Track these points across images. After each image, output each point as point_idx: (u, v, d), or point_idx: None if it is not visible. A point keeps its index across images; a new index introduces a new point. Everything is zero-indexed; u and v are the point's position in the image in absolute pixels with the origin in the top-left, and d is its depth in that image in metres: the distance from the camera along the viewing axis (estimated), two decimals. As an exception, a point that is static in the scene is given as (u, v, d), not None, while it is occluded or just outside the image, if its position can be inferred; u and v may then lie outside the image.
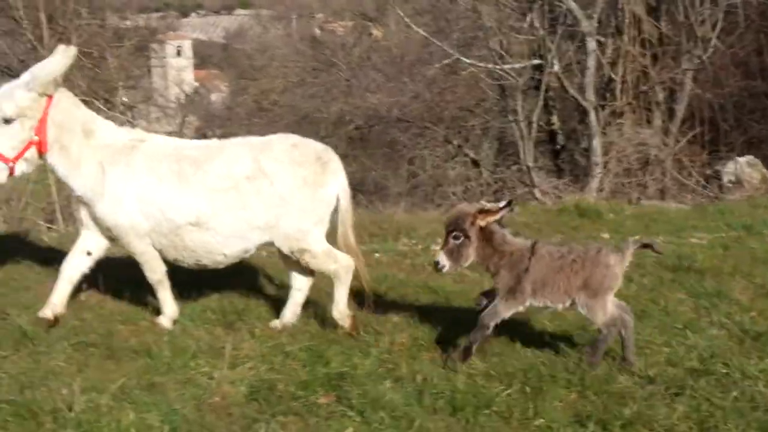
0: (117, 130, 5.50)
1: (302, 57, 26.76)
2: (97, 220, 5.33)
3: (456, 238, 4.90)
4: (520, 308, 4.95)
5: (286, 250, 5.38)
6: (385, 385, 4.37)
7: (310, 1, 46.40)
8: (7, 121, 5.13)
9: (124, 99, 15.62)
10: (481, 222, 4.88)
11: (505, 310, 4.93)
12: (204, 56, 55.74)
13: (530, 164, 13.88)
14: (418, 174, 16.29)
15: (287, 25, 45.04)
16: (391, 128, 17.24)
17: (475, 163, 16.11)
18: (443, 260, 4.91)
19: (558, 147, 15.80)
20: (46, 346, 4.93)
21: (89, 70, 13.00)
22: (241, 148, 5.42)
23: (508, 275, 4.92)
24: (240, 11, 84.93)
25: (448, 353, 4.92)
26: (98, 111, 13.71)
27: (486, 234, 4.92)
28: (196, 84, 44.98)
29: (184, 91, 35.37)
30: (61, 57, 5.24)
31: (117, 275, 5.96)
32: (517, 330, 5.16)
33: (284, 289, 5.92)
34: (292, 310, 5.63)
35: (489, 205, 4.89)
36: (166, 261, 5.41)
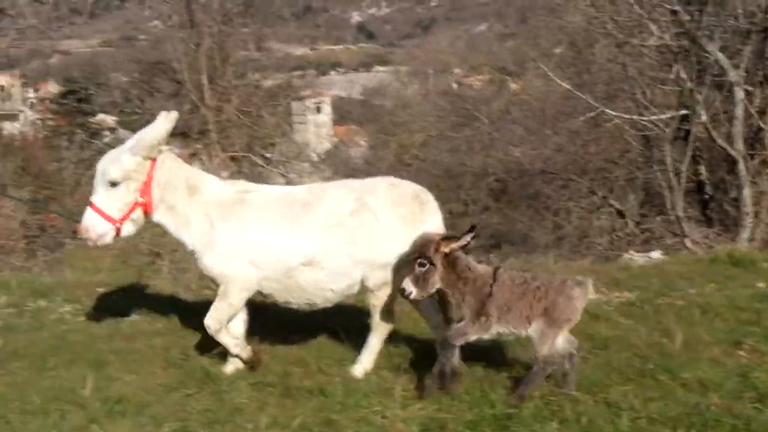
0: (222, 184, 5.66)
1: (441, 111, 27.10)
2: (204, 270, 5.53)
3: (421, 265, 4.95)
4: (486, 335, 5.00)
5: (371, 285, 5.44)
6: (552, 426, 4.47)
7: (447, 57, 47.15)
8: (114, 184, 5.35)
9: (268, 155, 16.27)
10: (445, 249, 4.94)
11: (472, 333, 4.98)
12: (343, 112, 57.24)
13: (680, 214, 13.68)
14: (563, 225, 16.27)
15: (424, 81, 45.75)
16: (534, 180, 17.33)
17: (621, 214, 15.97)
18: (409, 287, 4.96)
19: (706, 197, 15.50)
20: (228, 385, 5.20)
21: (247, 128, 13.72)
22: (344, 189, 5.56)
23: (473, 300, 4.97)
24: (378, 68, 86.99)
25: (422, 381, 5.04)
26: (254, 166, 14.51)
27: (450, 261, 4.97)
28: (336, 139, 46.15)
29: (327, 146, 36.42)
30: (164, 122, 5.41)
31: (285, 321, 6.30)
32: (677, 374, 5.14)
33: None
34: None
35: (452, 232, 5.03)
36: (275, 304, 5.63)
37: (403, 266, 5.17)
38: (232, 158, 12.44)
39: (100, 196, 5.37)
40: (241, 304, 5.55)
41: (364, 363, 5.53)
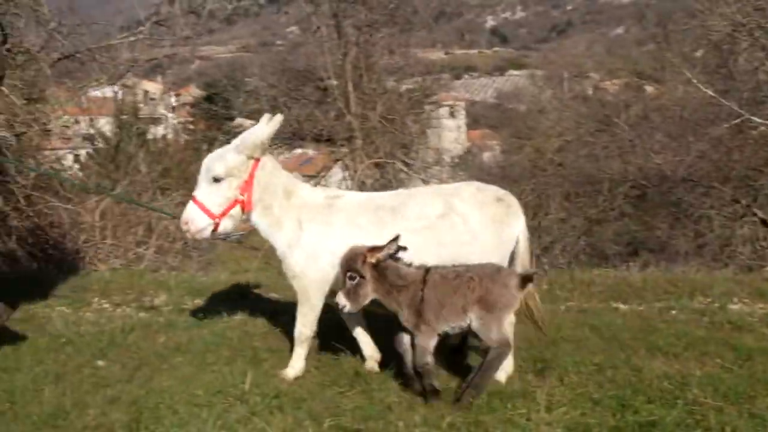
0: (314, 190, 5.92)
1: (577, 116, 26.81)
2: (287, 270, 5.76)
3: (351, 278, 5.07)
4: (437, 336, 5.08)
5: None
6: (695, 434, 4.56)
7: (584, 61, 46.52)
8: (217, 180, 5.61)
9: (409, 161, 16.58)
10: (372, 259, 5.04)
11: (425, 343, 5.05)
12: (477, 116, 57.31)
13: (831, 224, 13.29)
14: (704, 234, 15.98)
15: (559, 85, 45.24)
16: (675, 187, 17.05)
17: (765, 223, 15.58)
18: (342, 301, 5.09)
19: None
20: (378, 384, 5.43)
21: (391, 135, 14.10)
22: (431, 193, 5.76)
23: (407, 310, 5.06)
24: (512, 72, 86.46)
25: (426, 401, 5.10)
26: (398, 172, 14.87)
27: (380, 270, 5.06)
28: (469, 143, 46.18)
29: (461, 151, 36.56)
30: (267, 124, 5.71)
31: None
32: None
33: (584, 340, 6.32)
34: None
35: (378, 244, 5.06)
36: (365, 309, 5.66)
37: None
38: (376, 164, 12.85)
39: (203, 191, 5.65)
40: (321, 305, 5.78)
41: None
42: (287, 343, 6.25)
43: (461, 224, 5.50)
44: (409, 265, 5.18)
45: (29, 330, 6.44)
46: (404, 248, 5.15)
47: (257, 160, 5.68)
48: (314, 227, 5.60)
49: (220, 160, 5.63)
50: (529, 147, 28.04)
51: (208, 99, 52.70)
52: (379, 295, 5.19)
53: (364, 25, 13.59)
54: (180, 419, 4.76)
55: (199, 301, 8.22)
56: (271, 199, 5.69)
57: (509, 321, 5.30)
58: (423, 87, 19.10)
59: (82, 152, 15.34)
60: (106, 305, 7.48)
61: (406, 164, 14.53)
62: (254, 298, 8.30)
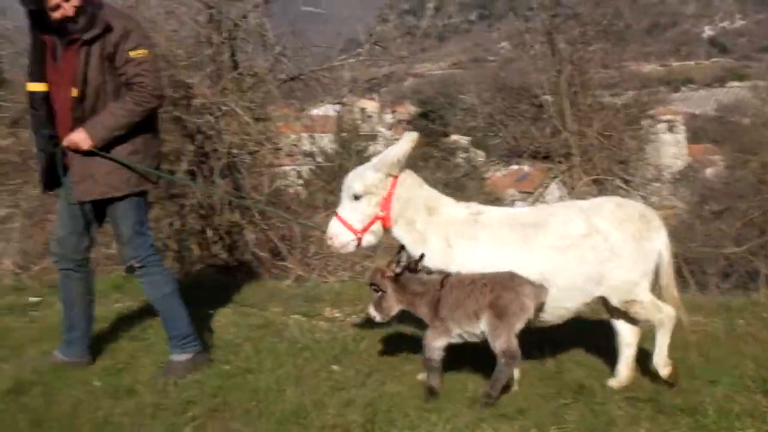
0: (457, 206, 5.86)
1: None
2: None
3: (375, 291, 5.43)
4: (449, 338, 5.29)
5: (616, 302, 5.61)
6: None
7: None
8: (357, 197, 5.74)
9: (628, 178, 16.25)
10: (390, 273, 5.37)
11: (434, 339, 5.30)
12: (697, 130, 55.06)
13: None
14: None
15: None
16: None
17: None
18: (372, 312, 5.51)
19: None
20: (602, 397, 5.41)
21: (608, 151, 13.95)
22: (572, 210, 5.72)
23: (425, 308, 5.33)
24: (733, 83, 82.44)
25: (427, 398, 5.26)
26: (617, 188, 14.64)
27: (400, 283, 5.38)
28: (690, 159, 44.45)
29: (680, 165, 35.32)
30: (405, 142, 5.79)
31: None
32: None
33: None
34: (626, 366, 5.81)
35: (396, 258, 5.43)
36: None
37: None
38: (594, 181, 12.75)
39: (345, 208, 5.83)
40: None
41: (659, 362, 5.65)
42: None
43: (602, 242, 5.51)
44: (430, 272, 5.43)
45: (268, 335, 6.90)
46: (421, 258, 5.43)
47: (396, 176, 5.79)
48: (463, 243, 5.65)
49: (359, 178, 5.80)
50: (755, 162, 26.74)
51: (424, 116, 53.80)
52: (403, 305, 5.48)
53: (577, 41, 13.53)
54: (411, 422, 4.96)
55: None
56: (412, 214, 5.76)
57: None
58: (639, 101, 18.75)
59: (304, 168, 16.13)
60: (338, 314, 7.84)
61: (625, 181, 14.29)
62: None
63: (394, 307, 5.52)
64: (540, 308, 5.36)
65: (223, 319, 7.39)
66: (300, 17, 13.70)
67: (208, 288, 8.45)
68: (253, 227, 10.40)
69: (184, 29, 11.33)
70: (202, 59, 10.60)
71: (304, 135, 13.61)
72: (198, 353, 6.02)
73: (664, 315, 5.63)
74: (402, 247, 5.62)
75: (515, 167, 17.91)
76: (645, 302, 5.59)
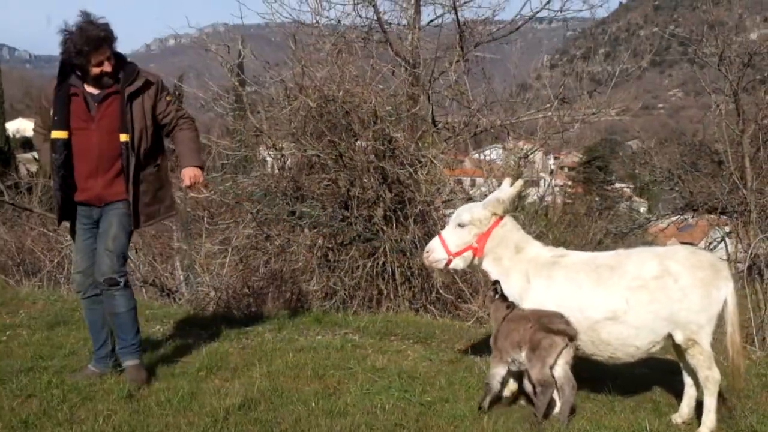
0: (542, 249, 6.57)
1: None
2: None
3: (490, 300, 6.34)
4: (505, 366, 5.98)
5: (680, 339, 5.98)
6: None
7: None
8: (461, 225, 6.59)
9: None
10: (490, 292, 6.29)
11: (493, 366, 6.07)
12: None
13: None
14: None
15: None
16: None
17: None
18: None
19: None
20: None
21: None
22: (648, 254, 6.20)
23: (493, 334, 6.14)
24: None
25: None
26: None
27: (496, 304, 6.24)
28: None
29: None
30: (511, 188, 6.68)
31: None
32: None
33: None
34: (688, 405, 6.25)
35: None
36: (582, 357, 6.23)
37: None
38: (772, 238, 12.82)
39: (448, 231, 6.70)
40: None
41: (708, 424, 5.95)
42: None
43: (672, 284, 5.95)
44: (509, 306, 6.17)
45: (459, 370, 7.36)
46: (495, 283, 6.33)
47: (500, 217, 6.61)
48: (539, 281, 6.28)
49: (468, 210, 6.67)
50: None
51: (588, 163, 53.42)
52: (493, 320, 6.29)
53: (764, 104, 13.67)
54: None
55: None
56: (502, 252, 6.51)
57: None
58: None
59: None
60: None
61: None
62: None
63: (492, 320, 6.34)
64: (572, 344, 5.89)
65: (414, 354, 8.04)
66: (482, 64, 14.45)
67: (401, 325, 9.22)
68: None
69: (386, 85, 12.37)
70: (402, 113, 11.53)
71: (482, 180, 14.25)
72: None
73: (711, 374, 5.98)
74: (496, 281, 6.37)
75: (679, 217, 17.88)
76: (704, 348, 5.99)
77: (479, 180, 14.68)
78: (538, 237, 8.23)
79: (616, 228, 18.55)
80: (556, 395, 5.94)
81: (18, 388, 6.23)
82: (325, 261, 11.02)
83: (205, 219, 11.84)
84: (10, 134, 55.62)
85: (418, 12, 14.72)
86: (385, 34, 13.98)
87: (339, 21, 14.01)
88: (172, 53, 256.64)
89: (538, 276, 6.31)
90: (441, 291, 11.16)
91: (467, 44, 13.85)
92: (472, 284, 11.57)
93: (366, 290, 10.74)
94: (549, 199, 26.36)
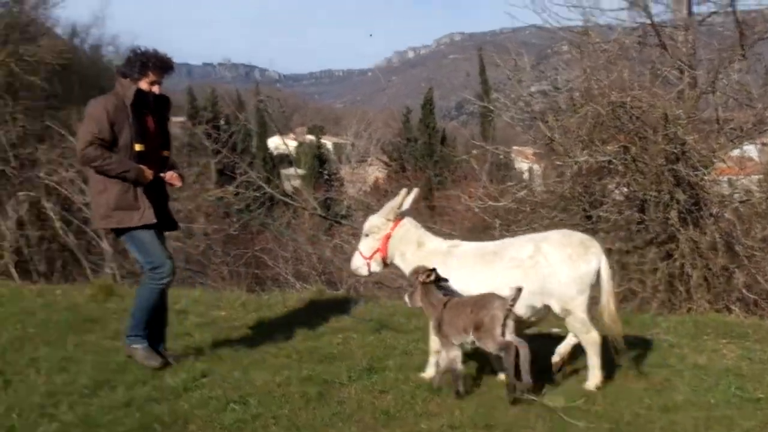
0: (441, 242, 7.34)
1: None
2: (414, 304, 6.92)
3: (410, 285, 6.90)
4: (457, 348, 6.52)
5: (557, 309, 6.76)
6: None
7: None
8: (367, 235, 7.43)
9: None
10: (421, 278, 6.70)
11: (447, 353, 6.58)
12: None
13: None
14: None
15: None
16: None
17: None
18: (405, 299, 6.94)
19: None
20: None
21: None
22: (526, 239, 7.11)
23: (433, 322, 6.69)
24: None
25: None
26: None
27: (426, 288, 6.71)
28: None
29: None
30: (400, 196, 7.42)
31: None
32: None
33: None
34: (563, 347, 7.21)
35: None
36: None
37: None
38: None
39: (361, 241, 7.54)
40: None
41: (594, 380, 6.79)
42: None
43: (543, 261, 6.73)
44: (446, 293, 6.72)
45: None
46: (445, 279, 6.77)
47: (399, 220, 7.37)
48: (438, 268, 6.82)
49: (368, 221, 7.52)
50: None
51: None
52: (423, 305, 6.75)
53: None
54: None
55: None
56: (405, 248, 7.29)
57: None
58: None
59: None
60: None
61: None
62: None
63: (418, 303, 6.79)
64: (510, 315, 6.32)
65: (731, 353, 8.11)
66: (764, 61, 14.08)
67: (710, 325, 9.28)
68: (742, 271, 11.08)
69: (668, 88, 12.43)
70: (690, 116, 11.56)
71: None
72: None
73: (589, 336, 6.79)
74: (433, 269, 6.79)
75: None
76: (578, 317, 6.75)
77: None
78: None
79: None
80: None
81: (370, 384, 6.92)
82: (621, 264, 11.24)
83: (498, 225, 12.40)
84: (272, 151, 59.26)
85: (690, 12, 14.62)
86: (659, 37, 14.00)
87: (611, 27, 14.18)
88: (412, 65, 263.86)
89: (436, 264, 6.91)
90: (743, 291, 11.09)
91: (747, 40, 13.58)
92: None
93: (665, 292, 10.87)
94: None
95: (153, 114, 7.13)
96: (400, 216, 7.44)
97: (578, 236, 7.11)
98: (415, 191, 7.65)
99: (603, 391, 6.71)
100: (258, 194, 22.62)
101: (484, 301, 6.43)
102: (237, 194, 21.24)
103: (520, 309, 6.66)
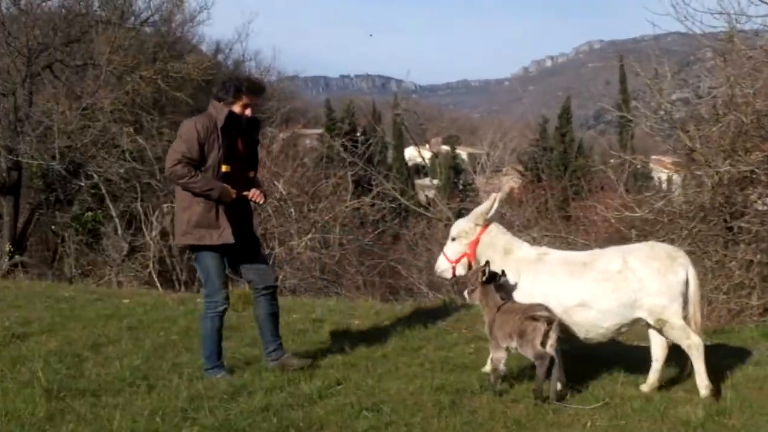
0: (529, 248, 7.41)
1: None
2: None
3: (471, 284, 7.17)
4: (504, 351, 6.77)
5: (651, 321, 6.82)
6: None
7: None
8: (454, 239, 7.53)
9: None
10: (482, 278, 6.92)
11: (494, 353, 6.89)
12: None
13: None
14: None
15: None
16: None
17: None
18: (465, 295, 7.37)
19: None
20: None
21: None
22: (616, 253, 7.07)
23: (487, 323, 6.95)
24: None
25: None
26: None
27: (485, 288, 6.93)
28: None
29: None
30: (488, 202, 7.55)
31: None
32: None
33: None
34: (653, 376, 7.07)
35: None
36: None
37: None
38: None
39: (447, 245, 7.65)
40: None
41: (703, 385, 6.74)
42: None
43: (631, 275, 6.79)
44: (503, 296, 6.92)
45: None
46: (503, 275, 6.97)
47: (486, 226, 7.44)
48: (527, 275, 7.08)
49: (456, 225, 7.66)
50: None
51: None
52: (480, 305, 7.02)
53: None
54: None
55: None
56: (492, 254, 7.24)
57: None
58: None
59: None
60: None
61: None
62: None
63: (475, 300, 7.08)
64: (554, 327, 6.56)
65: None
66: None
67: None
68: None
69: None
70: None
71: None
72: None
73: (691, 342, 6.72)
74: (487, 262, 7.01)
75: None
76: (674, 324, 6.77)
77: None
78: None
79: None
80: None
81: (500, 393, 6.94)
82: (761, 277, 10.88)
83: (634, 236, 12.18)
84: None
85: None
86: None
87: (758, 33, 13.69)
88: (549, 74, 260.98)
89: (527, 271, 7.11)
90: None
91: None
92: None
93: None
94: None
95: (243, 136, 7.32)
96: (487, 222, 7.51)
97: (665, 248, 7.23)
98: (499, 195, 7.98)
99: (739, 405, 6.58)
100: (393, 205, 22.97)
101: (532, 311, 6.67)
102: (373, 205, 21.53)
103: (610, 320, 6.92)
